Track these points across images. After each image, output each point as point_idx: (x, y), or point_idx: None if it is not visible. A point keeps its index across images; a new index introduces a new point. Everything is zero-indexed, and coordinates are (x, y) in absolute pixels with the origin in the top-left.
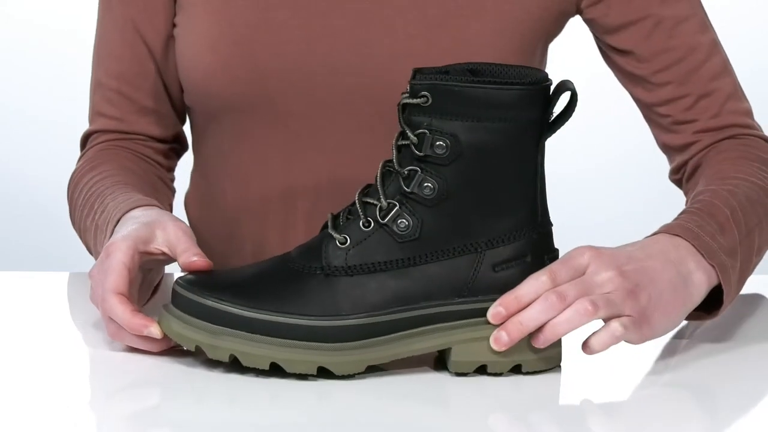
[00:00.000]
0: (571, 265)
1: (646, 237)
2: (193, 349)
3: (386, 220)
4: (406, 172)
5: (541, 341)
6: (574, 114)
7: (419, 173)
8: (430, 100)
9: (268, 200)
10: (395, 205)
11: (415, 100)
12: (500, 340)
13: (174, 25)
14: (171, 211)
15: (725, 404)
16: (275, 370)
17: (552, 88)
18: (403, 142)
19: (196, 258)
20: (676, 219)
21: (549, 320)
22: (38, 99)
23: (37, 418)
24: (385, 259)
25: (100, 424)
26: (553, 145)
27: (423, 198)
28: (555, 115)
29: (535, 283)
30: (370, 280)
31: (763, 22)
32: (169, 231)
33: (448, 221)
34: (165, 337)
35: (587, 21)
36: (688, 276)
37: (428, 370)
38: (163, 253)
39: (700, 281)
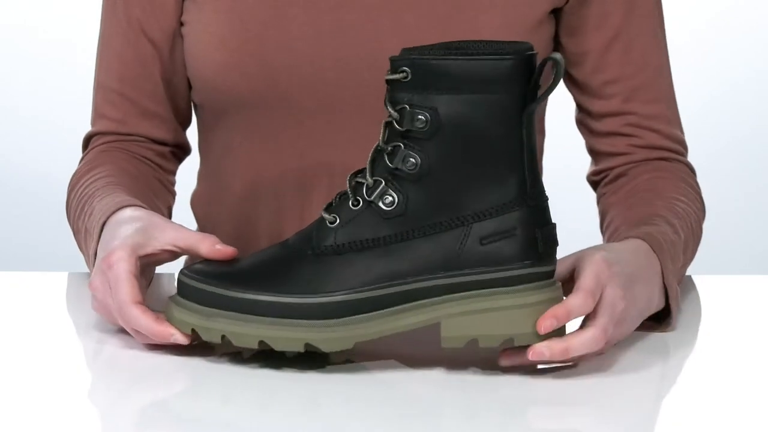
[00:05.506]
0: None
1: (632, 241)
2: (189, 333)
3: (373, 197)
4: (390, 149)
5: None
6: (559, 83)
7: (402, 149)
8: (410, 76)
9: (282, 195)
10: (381, 182)
11: (395, 76)
12: (541, 355)
13: (182, 24)
14: (170, 213)
15: (726, 404)
16: (268, 359)
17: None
18: (387, 120)
19: (220, 247)
20: (655, 227)
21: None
22: (38, 98)
23: (37, 418)
24: (372, 236)
25: (100, 423)
26: (558, 144)
27: (407, 173)
28: (540, 85)
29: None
30: (359, 258)
31: (764, 22)
32: (167, 229)
33: (434, 195)
34: (188, 337)
35: (563, 16)
36: (651, 302)
37: (425, 369)
38: (166, 251)
39: (657, 305)
